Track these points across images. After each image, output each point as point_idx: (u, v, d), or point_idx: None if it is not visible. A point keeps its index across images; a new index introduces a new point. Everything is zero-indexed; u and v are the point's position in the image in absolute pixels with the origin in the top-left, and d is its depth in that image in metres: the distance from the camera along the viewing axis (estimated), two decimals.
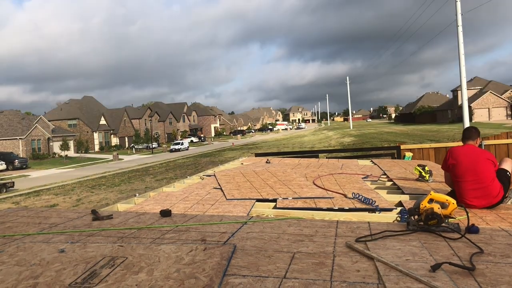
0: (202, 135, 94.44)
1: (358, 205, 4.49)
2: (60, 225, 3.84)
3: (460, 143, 4.76)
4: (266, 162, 9.41)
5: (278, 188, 5.57)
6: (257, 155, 13.58)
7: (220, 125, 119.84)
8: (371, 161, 9.46)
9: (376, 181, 6.53)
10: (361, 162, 9.30)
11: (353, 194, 4.88)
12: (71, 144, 60.00)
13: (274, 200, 4.92)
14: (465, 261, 2.44)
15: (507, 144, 11.80)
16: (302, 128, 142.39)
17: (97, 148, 67.51)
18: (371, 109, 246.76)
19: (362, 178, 6.61)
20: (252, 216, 4.05)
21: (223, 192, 5.49)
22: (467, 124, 22.02)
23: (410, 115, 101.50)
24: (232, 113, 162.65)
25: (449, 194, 4.26)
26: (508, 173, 4.36)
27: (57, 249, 2.76)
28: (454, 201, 3.16)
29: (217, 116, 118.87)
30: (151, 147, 64.01)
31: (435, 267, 2.26)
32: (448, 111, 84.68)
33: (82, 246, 2.82)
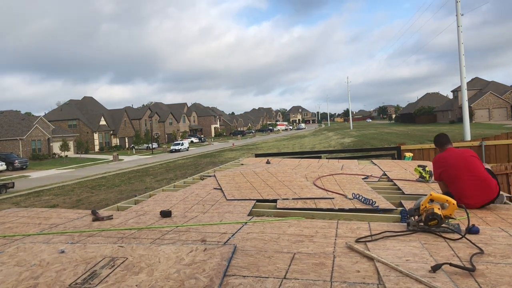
0: (202, 136, 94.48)
1: (359, 206, 4.49)
2: (60, 225, 3.84)
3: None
4: (266, 163, 9.41)
5: (278, 189, 5.57)
6: (257, 155, 13.58)
7: (220, 125, 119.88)
8: (371, 161, 9.46)
9: (377, 181, 6.53)
10: (361, 163, 9.30)
11: (353, 195, 4.88)
12: (71, 144, 59.94)
13: (274, 201, 4.91)
14: (465, 261, 2.44)
15: (507, 144, 11.80)
16: (302, 128, 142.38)
17: (97, 148, 67.50)
18: (371, 109, 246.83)
19: (363, 178, 6.60)
20: (252, 217, 4.05)
21: (223, 193, 5.49)
22: (467, 124, 22.01)
23: (410, 115, 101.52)
24: (232, 113, 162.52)
25: (447, 195, 4.26)
26: (490, 170, 4.45)
27: (57, 249, 2.76)
28: (455, 202, 3.16)
29: (217, 117, 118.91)
30: (151, 147, 64.01)
31: (435, 268, 2.26)
32: (448, 111, 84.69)
33: (82, 247, 2.82)
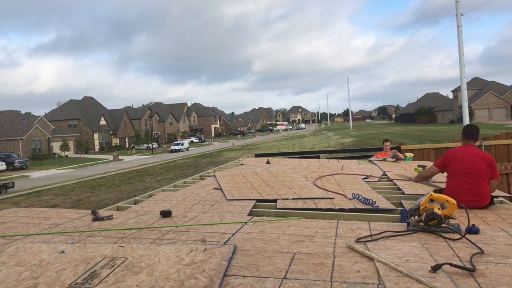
0: (202, 136, 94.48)
1: (359, 206, 4.49)
2: (60, 225, 3.84)
3: (459, 144, 4.73)
4: (266, 163, 9.41)
5: (278, 189, 5.57)
6: (257, 155, 13.56)
7: (220, 125, 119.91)
8: (371, 161, 9.46)
9: (377, 181, 6.52)
10: (361, 163, 9.30)
11: (353, 195, 4.88)
12: (71, 144, 59.93)
13: (274, 201, 4.91)
14: (466, 261, 2.44)
15: (507, 144, 11.79)
16: (302, 128, 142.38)
17: (97, 148, 67.50)
18: (371, 109, 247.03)
19: (362, 178, 6.60)
20: (252, 217, 4.05)
21: (223, 193, 5.48)
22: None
23: (410, 115, 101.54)
24: (232, 113, 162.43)
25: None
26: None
27: (57, 249, 2.75)
28: (455, 202, 3.15)
29: (217, 117, 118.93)
30: (151, 147, 64.02)
31: (435, 268, 2.26)
32: (448, 111, 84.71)
33: (82, 247, 2.82)
